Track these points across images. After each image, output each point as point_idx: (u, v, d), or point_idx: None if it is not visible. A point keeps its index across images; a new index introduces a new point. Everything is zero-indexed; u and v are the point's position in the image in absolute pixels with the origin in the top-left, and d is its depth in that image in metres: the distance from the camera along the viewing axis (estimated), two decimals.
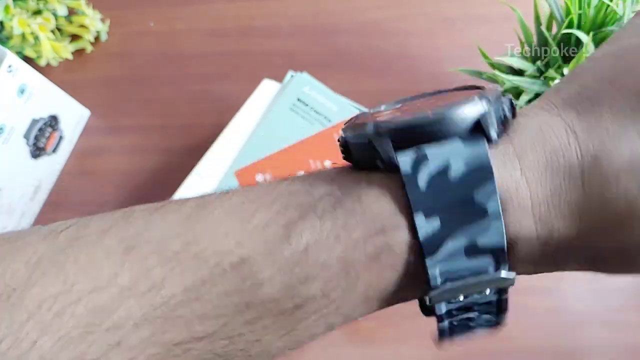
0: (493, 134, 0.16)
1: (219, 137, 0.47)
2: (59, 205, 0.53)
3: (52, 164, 0.53)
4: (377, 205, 0.17)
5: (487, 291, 0.17)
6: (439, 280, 0.17)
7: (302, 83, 0.47)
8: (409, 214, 0.17)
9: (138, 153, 0.53)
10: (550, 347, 0.44)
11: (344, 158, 0.19)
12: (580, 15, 0.39)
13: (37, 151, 0.50)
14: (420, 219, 0.16)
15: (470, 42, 0.48)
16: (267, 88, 0.48)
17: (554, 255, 0.17)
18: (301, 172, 0.19)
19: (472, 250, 0.16)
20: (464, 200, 0.16)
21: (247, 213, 0.17)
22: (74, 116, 0.54)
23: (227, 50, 0.57)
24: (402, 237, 0.17)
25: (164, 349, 0.17)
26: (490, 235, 0.16)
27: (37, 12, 0.55)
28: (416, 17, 0.58)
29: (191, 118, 0.54)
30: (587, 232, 0.17)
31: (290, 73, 0.50)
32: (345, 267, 0.17)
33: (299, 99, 0.46)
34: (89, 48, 0.58)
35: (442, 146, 0.16)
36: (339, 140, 0.19)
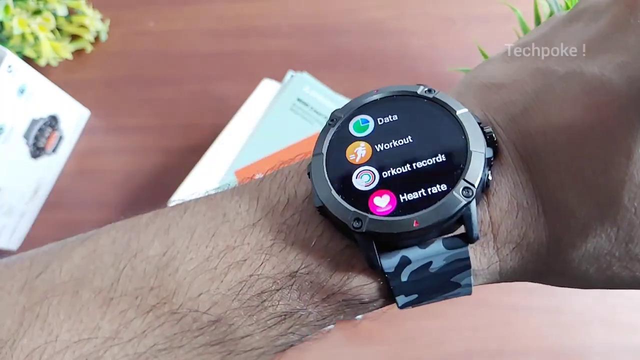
0: (474, 234, 0.17)
1: (219, 137, 0.47)
2: (58, 205, 0.52)
3: (52, 164, 0.53)
4: (356, 290, 0.19)
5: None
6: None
7: (302, 83, 0.47)
8: (389, 295, 0.19)
9: (138, 153, 0.53)
10: (550, 347, 0.44)
11: (319, 211, 0.19)
12: None
13: (37, 151, 0.50)
14: (400, 298, 0.19)
15: (470, 42, 0.48)
16: (267, 88, 0.48)
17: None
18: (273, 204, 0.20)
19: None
20: (441, 283, 0.18)
21: (218, 271, 0.19)
22: (73, 116, 0.54)
23: (227, 50, 0.57)
24: (378, 305, 0.20)
25: None
26: (459, 294, 0.19)
27: (37, 12, 0.55)
28: (416, 17, 0.58)
29: (191, 118, 0.54)
30: (542, 280, 0.19)
31: (290, 73, 0.50)
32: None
33: (299, 99, 0.46)
34: (89, 48, 0.58)
35: (425, 250, 0.18)
36: (319, 209, 0.18)
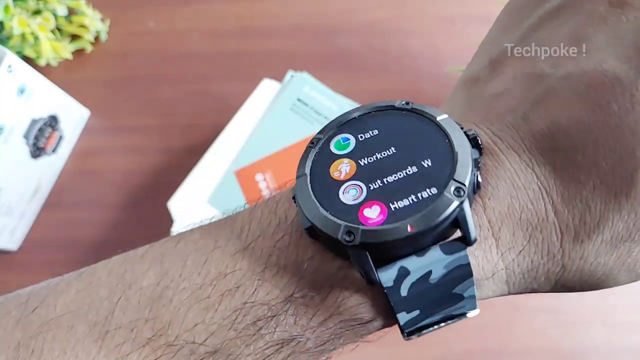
0: (472, 236, 0.17)
1: (219, 137, 0.47)
2: (58, 205, 0.52)
3: (52, 164, 0.53)
4: (353, 310, 0.18)
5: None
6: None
7: (302, 83, 0.47)
8: (389, 314, 0.18)
9: (138, 153, 0.53)
10: (550, 347, 0.44)
11: (308, 233, 0.18)
12: None
13: (37, 151, 0.50)
14: (401, 315, 0.17)
15: (470, 42, 0.48)
16: (267, 88, 0.48)
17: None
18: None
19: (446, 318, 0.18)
20: (443, 295, 0.17)
21: (212, 300, 0.18)
22: (73, 116, 0.54)
23: (227, 50, 0.57)
24: (379, 325, 0.19)
25: None
26: (464, 309, 0.18)
27: (37, 12, 0.55)
28: (416, 17, 0.58)
29: (191, 118, 0.54)
30: (557, 286, 0.18)
31: (290, 73, 0.50)
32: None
33: (299, 99, 0.46)
34: (89, 48, 0.58)
35: (423, 258, 0.17)
36: (308, 231, 0.18)
